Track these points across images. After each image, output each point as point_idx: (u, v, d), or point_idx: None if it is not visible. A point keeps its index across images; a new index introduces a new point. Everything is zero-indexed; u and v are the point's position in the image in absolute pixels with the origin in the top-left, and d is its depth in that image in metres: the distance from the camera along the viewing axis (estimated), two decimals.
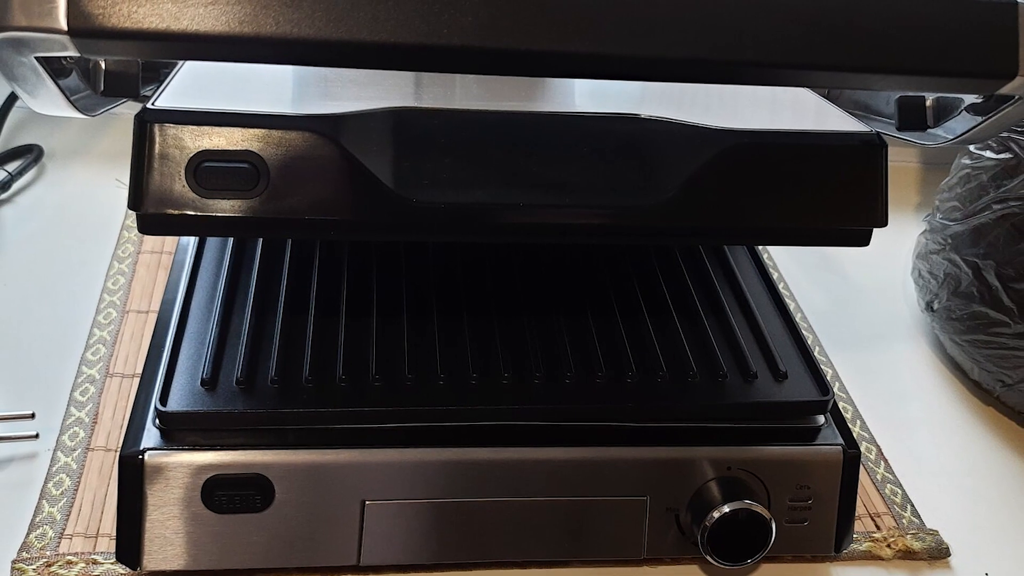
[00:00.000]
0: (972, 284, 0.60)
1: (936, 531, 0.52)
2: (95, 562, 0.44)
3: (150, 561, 0.43)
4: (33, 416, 0.50)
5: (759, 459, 0.46)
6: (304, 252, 0.53)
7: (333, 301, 0.50)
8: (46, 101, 0.38)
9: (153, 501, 0.42)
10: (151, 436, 0.43)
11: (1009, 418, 0.61)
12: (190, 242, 0.55)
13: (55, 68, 0.35)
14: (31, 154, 0.73)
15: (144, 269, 0.64)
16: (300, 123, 0.38)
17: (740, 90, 0.49)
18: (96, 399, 0.53)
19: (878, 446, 0.58)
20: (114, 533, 0.43)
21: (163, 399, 0.43)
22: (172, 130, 0.37)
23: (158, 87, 0.42)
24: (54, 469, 0.49)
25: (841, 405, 0.60)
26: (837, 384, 0.62)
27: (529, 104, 0.44)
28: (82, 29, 0.30)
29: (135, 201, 0.37)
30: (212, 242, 0.55)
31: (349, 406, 0.44)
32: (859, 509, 0.52)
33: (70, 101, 0.38)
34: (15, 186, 0.70)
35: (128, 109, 0.41)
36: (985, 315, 0.59)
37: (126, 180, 0.38)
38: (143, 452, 0.42)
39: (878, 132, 0.42)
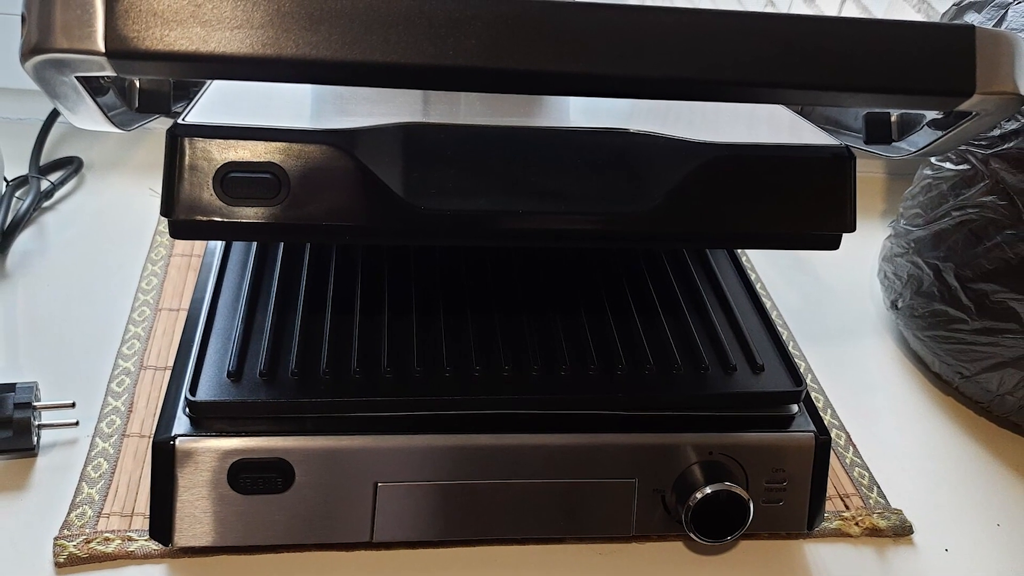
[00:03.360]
0: (933, 284, 0.60)
1: (900, 510, 0.52)
2: (130, 539, 0.45)
3: (181, 538, 0.43)
4: (74, 405, 0.50)
5: (738, 444, 0.46)
6: (322, 255, 0.53)
7: (348, 300, 0.50)
8: (85, 117, 0.38)
9: (183, 483, 0.42)
10: (182, 423, 0.43)
11: (967, 407, 0.61)
12: (217, 246, 0.55)
13: (93, 87, 0.35)
14: (72, 165, 0.73)
15: (175, 271, 0.64)
16: (318, 137, 0.38)
17: (721, 107, 0.49)
18: (131, 390, 0.53)
19: (847, 432, 0.58)
20: (148, 512, 0.43)
21: (193, 390, 0.43)
22: (201, 143, 0.37)
23: (188, 104, 0.42)
24: (93, 454, 0.49)
25: (813, 395, 0.60)
26: (810, 376, 0.62)
27: (528, 120, 0.45)
28: (118, 51, 0.30)
29: (167, 208, 0.37)
30: (237, 246, 0.55)
31: (363, 396, 0.44)
32: (829, 490, 0.52)
33: (107, 117, 0.38)
34: (57, 195, 0.70)
35: (160, 124, 0.41)
36: (945, 313, 0.59)
37: (159, 189, 0.38)
38: (174, 438, 0.42)
39: (847, 145, 0.42)
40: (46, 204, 0.69)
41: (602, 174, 0.40)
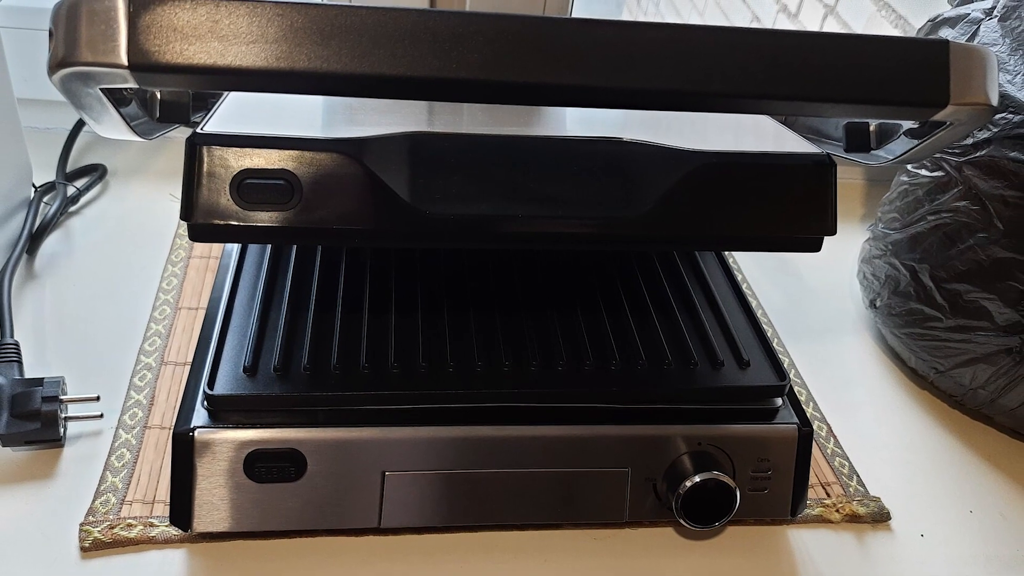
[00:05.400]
0: (909, 285, 0.60)
1: (878, 498, 0.52)
2: (152, 525, 0.45)
3: (199, 524, 0.43)
4: (98, 399, 0.50)
5: (725, 436, 0.46)
6: (332, 257, 0.53)
7: (357, 299, 0.50)
8: (109, 126, 0.38)
9: (202, 472, 0.42)
10: (200, 416, 0.43)
11: (941, 400, 0.61)
12: (234, 248, 0.55)
13: (117, 98, 0.35)
14: (96, 172, 0.73)
15: (194, 271, 0.64)
16: (329, 145, 0.38)
17: (709, 117, 0.49)
18: (152, 384, 0.53)
19: (828, 424, 0.58)
20: (168, 500, 0.43)
21: (210, 384, 0.43)
22: (218, 151, 0.37)
23: (206, 114, 0.42)
24: (116, 444, 0.49)
25: (796, 389, 0.60)
26: (793, 371, 0.62)
27: (527, 129, 0.44)
28: (140, 64, 0.30)
29: (186, 212, 0.37)
30: (252, 248, 0.55)
31: (371, 390, 0.44)
32: (812, 479, 0.52)
33: (130, 126, 0.38)
34: (83, 200, 0.70)
35: (180, 133, 0.41)
36: (921, 311, 0.59)
37: (179, 195, 0.38)
38: (193, 430, 0.42)
39: (828, 153, 0.42)
40: (72, 209, 0.69)
41: (597, 180, 0.40)
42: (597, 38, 0.32)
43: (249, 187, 0.37)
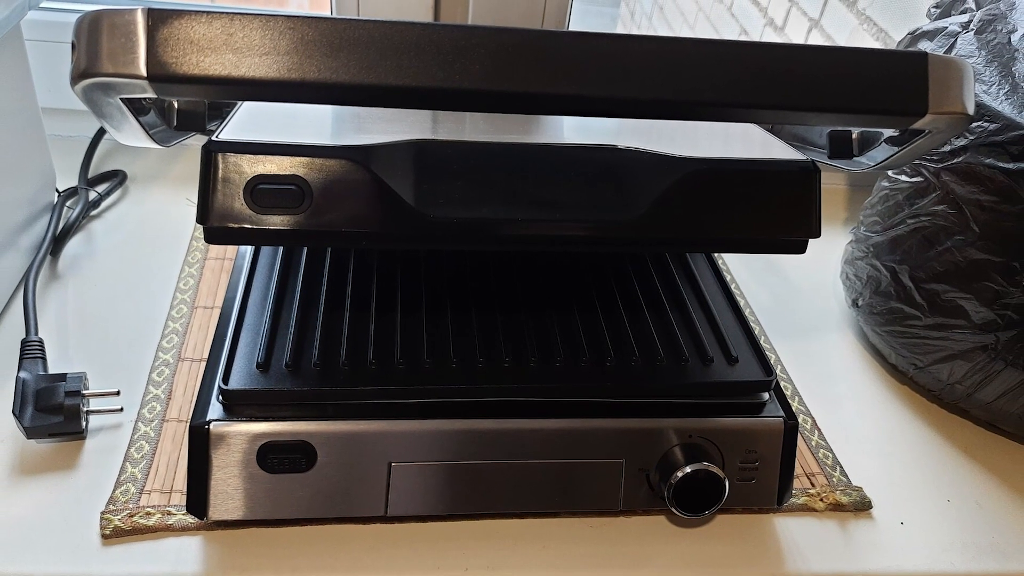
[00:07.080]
0: (890, 285, 0.60)
1: (860, 488, 0.52)
2: (169, 513, 0.45)
3: (215, 512, 0.43)
4: (119, 393, 0.50)
5: (715, 428, 0.46)
6: (341, 258, 0.53)
7: (364, 298, 0.50)
8: (129, 134, 0.38)
9: (217, 463, 0.42)
10: (215, 410, 0.43)
11: (920, 395, 0.61)
12: (247, 250, 0.55)
13: (136, 107, 0.35)
14: (117, 178, 0.73)
15: (209, 272, 0.64)
16: (338, 152, 0.38)
17: (699, 125, 0.49)
18: (170, 379, 0.53)
19: (813, 418, 0.58)
20: (185, 489, 0.43)
21: (225, 379, 0.43)
22: (233, 158, 0.37)
23: (221, 122, 0.42)
24: (135, 437, 0.49)
25: (782, 384, 0.60)
26: (779, 367, 0.62)
27: (526, 137, 0.45)
28: (159, 75, 0.30)
29: (202, 216, 0.37)
30: (265, 250, 0.55)
31: (378, 385, 0.44)
32: (797, 470, 0.52)
33: (148, 134, 0.38)
34: (104, 204, 0.70)
35: (197, 141, 0.41)
36: (901, 310, 0.59)
37: (195, 199, 0.38)
38: (209, 423, 0.42)
39: (813, 160, 0.42)
40: (94, 213, 0.69)
41: (593, 186, 0.40)
42: (593, 50, 0.32)
43: (262, 192, 0.37)
